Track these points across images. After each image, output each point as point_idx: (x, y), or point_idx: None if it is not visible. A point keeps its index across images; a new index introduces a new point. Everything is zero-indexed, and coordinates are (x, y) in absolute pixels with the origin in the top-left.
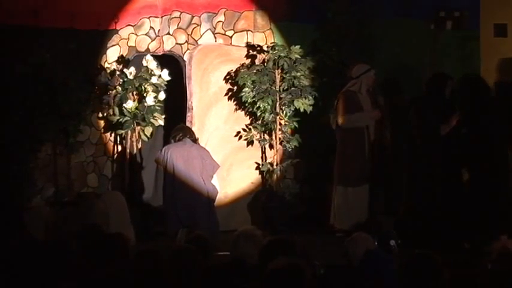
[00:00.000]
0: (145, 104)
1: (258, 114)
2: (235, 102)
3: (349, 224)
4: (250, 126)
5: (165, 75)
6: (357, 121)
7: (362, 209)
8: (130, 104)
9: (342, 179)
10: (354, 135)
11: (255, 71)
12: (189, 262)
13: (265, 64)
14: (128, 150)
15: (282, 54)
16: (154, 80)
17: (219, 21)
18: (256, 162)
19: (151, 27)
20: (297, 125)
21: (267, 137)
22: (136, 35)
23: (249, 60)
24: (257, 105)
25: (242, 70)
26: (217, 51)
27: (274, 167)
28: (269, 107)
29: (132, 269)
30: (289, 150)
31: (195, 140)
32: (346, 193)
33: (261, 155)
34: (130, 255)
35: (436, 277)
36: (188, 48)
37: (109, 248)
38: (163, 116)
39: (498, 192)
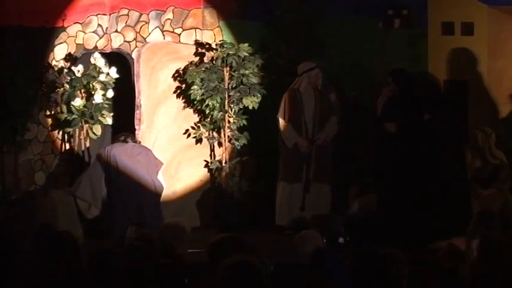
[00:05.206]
0: (94, 102)
1: (207, 112)
2: (183, 100)
3: (288, 220)
4: (199, 124)
5: (113, 73)
6: (288, 137)
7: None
8: (78, 102)
9: (283, 174)
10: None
11: (203, 69)
12: (141, 260)
13: (214, 62)
14: (76, 149)
15: (230, 52)
16: (102, 77)
17: (167, 19)
18: (205, 160)
19: (99, 25)
20: (245, 123)
21: (215, 134)
22: (84, 32)
23: (198, 58)
24: (206, 103)
25: (191, 68)
26: (166, 49)
27: (223, 164)
28: (218, 104)
29: (84, 269)
30: (238, 148)
31: (136, 142)
32: (287, 189)
33: (209, 153)
34: (81, 254)
35: (385, 274)
36: (136, 46)
37: (58, 246)
38: (112, 114)
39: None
